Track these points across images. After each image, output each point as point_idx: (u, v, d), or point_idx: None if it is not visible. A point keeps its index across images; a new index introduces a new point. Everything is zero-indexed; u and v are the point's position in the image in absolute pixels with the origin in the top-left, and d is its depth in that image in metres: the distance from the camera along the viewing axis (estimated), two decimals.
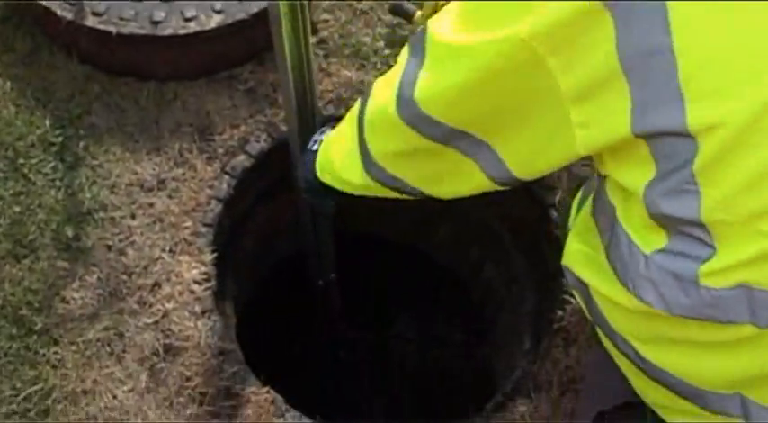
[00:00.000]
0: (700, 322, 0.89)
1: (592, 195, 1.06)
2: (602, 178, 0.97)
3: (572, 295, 1.77)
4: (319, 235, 1.77)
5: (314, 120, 1.57)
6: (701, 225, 0.82)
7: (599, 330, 1.12)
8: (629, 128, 0.78)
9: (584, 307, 1.12)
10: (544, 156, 0.91)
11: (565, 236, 1.79)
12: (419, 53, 0.95)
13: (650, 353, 1.01)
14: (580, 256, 1.06)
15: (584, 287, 1.07)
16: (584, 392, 1.61)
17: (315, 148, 1.33)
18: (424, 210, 1.92)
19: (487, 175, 1.00)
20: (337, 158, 1.21)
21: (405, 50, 1.02)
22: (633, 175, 0.84)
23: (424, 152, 1.02)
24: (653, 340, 0.99)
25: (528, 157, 0.94)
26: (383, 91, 1.05)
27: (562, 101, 0.80)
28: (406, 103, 0.98)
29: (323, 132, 1.37)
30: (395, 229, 2.32)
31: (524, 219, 2.02)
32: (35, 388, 1.61)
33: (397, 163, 1.09)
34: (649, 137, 0.78)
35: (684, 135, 0.76)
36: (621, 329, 1.02)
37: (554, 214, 1.92)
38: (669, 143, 0.78)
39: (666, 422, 1.14)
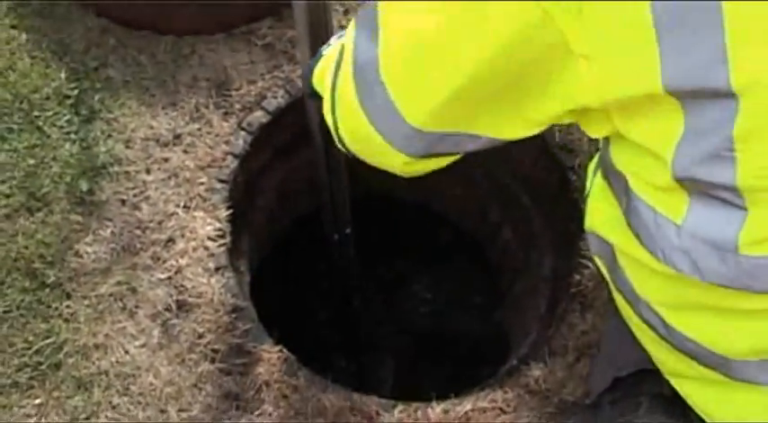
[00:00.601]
0: (732, 290, 0.84)
1: (598, 157, 1.01)
2: (606, 140, 0.92)
3: (590, 260, 1.75)
4: (334, 187, 1.75)
5: None
6: (734, 189, 0.76)
7: (618, 298, 1.08)
8: (659, 84, 0.72)
9: (606, 275, 1.08)
10: (547, 118, 0.85)
11: (585, 200, 1.78)
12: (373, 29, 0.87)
13: (677, 320, 0.96)
14: (602, 216, 1.01)
15: (608, 250, 1.02)
16: (600, 359, 1.57)
17: (323, 52, 1.23)
18: (440, 170, 1.88)
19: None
20: (324, 86, 1.12)
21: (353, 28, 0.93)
22: (657, 135, 0.78)
23: None
24: (680, 306, 0.95)
25: (523, 127, 0.87)
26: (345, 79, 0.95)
27: (573, 58, 0.74)
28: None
29: (340, 37, 1.25)
30: (409, 190, 2.30)
31: (543, 181, 1.99)
32: (47, 341, 1.60)
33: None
34: (682, 94, 0.72)
35: (724, 94, 0.70)
36: (647, 294, 0.98)
37: (573, 177, 1.88)
38: (704, 102, 0.72)
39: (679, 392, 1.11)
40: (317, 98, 1.15)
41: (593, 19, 0.71)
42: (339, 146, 1.09)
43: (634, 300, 1.02)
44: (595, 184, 1.06)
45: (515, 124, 0.86)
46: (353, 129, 0.99)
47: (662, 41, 0.69)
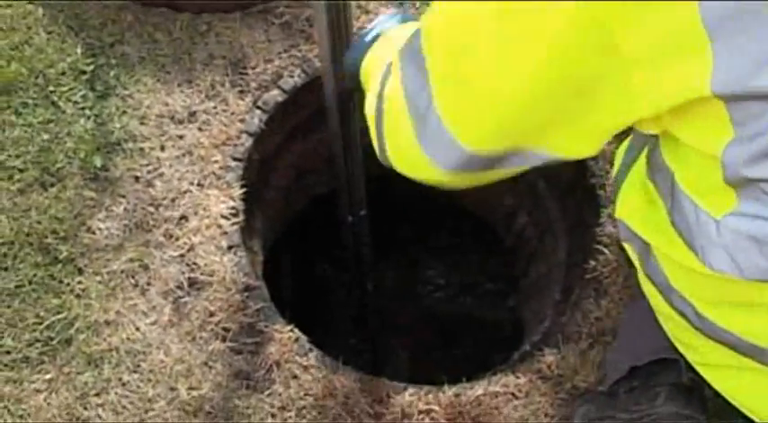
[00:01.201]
0: None
1: (645, 153, 0.98)
2: (655, 137, 0.90)
3: (606, 246, 1.73)
4: (349, 168, 1.72)
5: None
6: None
7: (647, 285, 1.07)
8: (709, 87, 0.70)
9: (636, 261, 1.06)
10: (601, 132, 0.81)
11: (602, 186, 1.75)
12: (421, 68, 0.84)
13: (712, 313, 0.95)
14: (638, 212, 1.01)
15: (641, 241, 1.01)
16: (618, 346, 1.56)
17: (368, 39, 1.19)
18: None
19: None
20: (371, 87, 1.08)
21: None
22: (705, 137, 0.76)
23: None
24: (718, 302, 0.94)
25: (582, 143, 0.84)
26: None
27: (625, 66, 0.71)
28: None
29: (384, 21, 1.20)
30: None
31: (559, 167, 1.91)
32: (58, 317, 1.59)
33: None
34: (731, 97, 0.71)
35: None
36: (682, 288, 0.97)
37: (590, 163, 1.85)
38: (752, 104, 0.70)
39: (706, 380, 1.09)
40: (360, 90, 1.13)
41: (641, 21, 0.68)
42: (379, 157, 1.05)
43: (666, 289, 1.00)
44: (634, 177, 1.04)
45: (577, 138, 0.82)
46: (399, 146, 0.96)
47: (714, 44, 0.67)
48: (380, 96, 0.96)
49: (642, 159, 1.01)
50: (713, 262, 0.82)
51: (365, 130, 1.08)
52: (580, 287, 1.75)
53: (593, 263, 1.73)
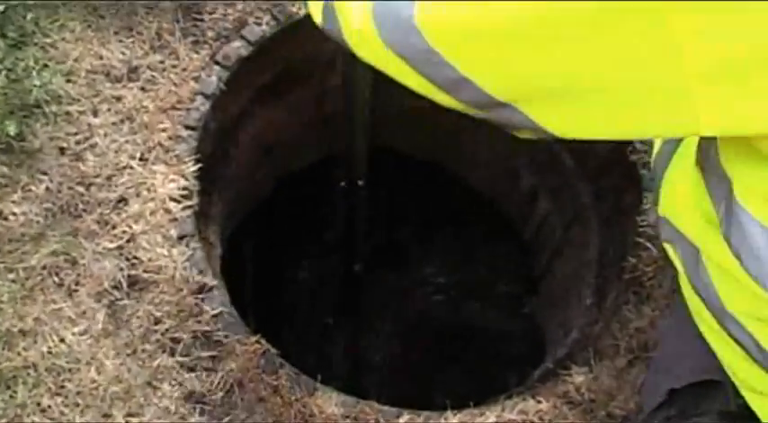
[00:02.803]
0: None
1: (696, 143, 0.99)
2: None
3: (649, 239, 1.74)
4: (354, 125, 1.71)
5: None
6: None
7: (693, 300, 1.07)
8: None
9: (680, 269, 1.06)
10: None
11: (646, 164, 1.76)
12: None
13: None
14: (686, 210, 1.00)
15: (687, 247, 1.01)
16: (655, 363, 1.53)
17: None
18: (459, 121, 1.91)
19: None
20: None
21: None
22: None
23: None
24: None
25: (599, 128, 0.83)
26: None
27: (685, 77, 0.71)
28: (393, 20, 0.86)
29: None
30: (422, 146, 2.30)
31: (593, 141, 1.96)
32: None
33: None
34: None
35: None
36: (739, 312, 0.96)
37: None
38: None
39: (752, 408, 1.10)
40: None
41: (709, 29, 0.69)
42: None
43: (718, 310, 0.99)
44: (679, 160, 1.04)
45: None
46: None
47: None
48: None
49: (688, 153, 1.00)
50: None
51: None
52: (617, 290, 1.76)
53: (632, 260, 1.74)
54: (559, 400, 1.61)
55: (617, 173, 1.90)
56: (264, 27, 1.88)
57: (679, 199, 1.02)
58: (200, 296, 1.63)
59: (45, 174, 1.71)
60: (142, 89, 1.80)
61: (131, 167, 1.73)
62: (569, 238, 2.08)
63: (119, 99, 1.79)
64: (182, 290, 1.63)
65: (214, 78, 1.84)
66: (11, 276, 1.61)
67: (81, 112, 1.77)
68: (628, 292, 1.72)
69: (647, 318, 1.68)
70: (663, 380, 1.38)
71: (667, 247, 1.07)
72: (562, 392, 1.62)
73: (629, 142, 1.85)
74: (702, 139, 0.95)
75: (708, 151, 0.92)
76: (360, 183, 1.90)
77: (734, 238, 0.87)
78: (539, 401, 1.60)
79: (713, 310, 1.01)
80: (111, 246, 1.66)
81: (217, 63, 1.85)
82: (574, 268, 2.02)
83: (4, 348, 1.55)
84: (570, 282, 2.02)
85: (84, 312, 1.60)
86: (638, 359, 1.64)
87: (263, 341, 1.62)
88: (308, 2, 1.02)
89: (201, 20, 1.87)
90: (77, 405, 1.52)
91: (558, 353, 1.78)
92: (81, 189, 1.70)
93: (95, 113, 1.77)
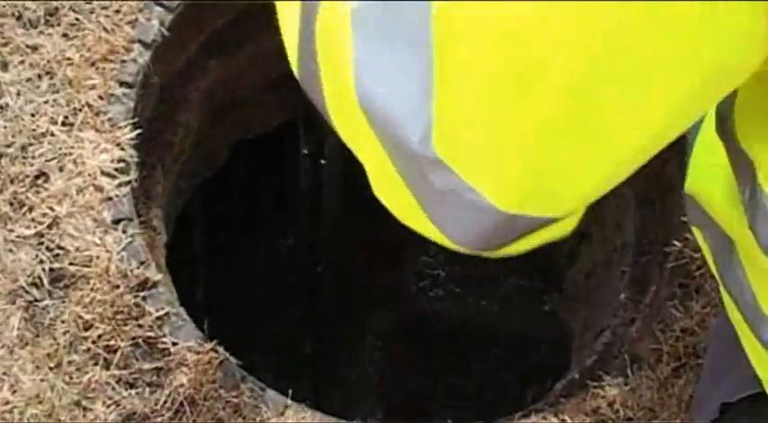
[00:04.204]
0: None
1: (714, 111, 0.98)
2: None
3: None
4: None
5: None
6: None
7: (727, 301, 1.06)
8: None
9: (710, 261, 1.06)
10: None
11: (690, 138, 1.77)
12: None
13: None
14: (719, 190, 0.99)
15: (717, 233, 1.01)
16: (704, 375, 1.52)
17: None
18: None
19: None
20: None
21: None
22: None
23: None
24: None
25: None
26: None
27: None
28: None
29: None
30: None
31: None
32: None
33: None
34: None
35: None
36: None
37: None
38: None
39: None
40: None
41: None
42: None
43: (752, 313, 0.99)
44: (706, 129, 1.02)
45: None
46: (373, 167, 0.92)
47: None
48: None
49: (709, 122, 0.99)
50: None
51: None
52: (658, 282, 1.77)
53: (678, 244, 1.74)
54: (588, 418, 1.62)
55: None
56: None
57: (708, 174, 1.02)
58: (141, 294, 1.63)
59: None
60: (64, 36, 1.81)
61: (52, 134, 1.73)
62: (599, 219, 2.08)
63: (34, 49, 1.79)
64: (118, 286, 1.62)
65: (155, 22, 1.84)
66: None
67: None
68: (672, 284, 1.73)
69: (695, 317, 1.68)
70: (713, 393, 1.37)
71: (696, 232, 1.07)
72: (591, 409, 1.63)
73: None
74: (719, 104, 0.92)
75: (725, 122, 0.90)
76: (332, 152, 1.91)
77: (762, 230, 0.87)
78: (562, 420, 1.62)
79: (746, 313, 1.01)
80: (29, 232, 1.66)
81: (158, 3, 1.86)
82: (605, 256, 2.02)
83: None
84: (600, 273, 2.03)
85: None
86: (685, 367, 1.65)
87: (219, 349, 1.62)
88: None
89: None
90: None
91: (585, 360, 1.79)
92: None
93: (5, 67, 1.78)
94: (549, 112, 0.71)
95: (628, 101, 0.70)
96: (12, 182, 1.68)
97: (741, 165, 0.88)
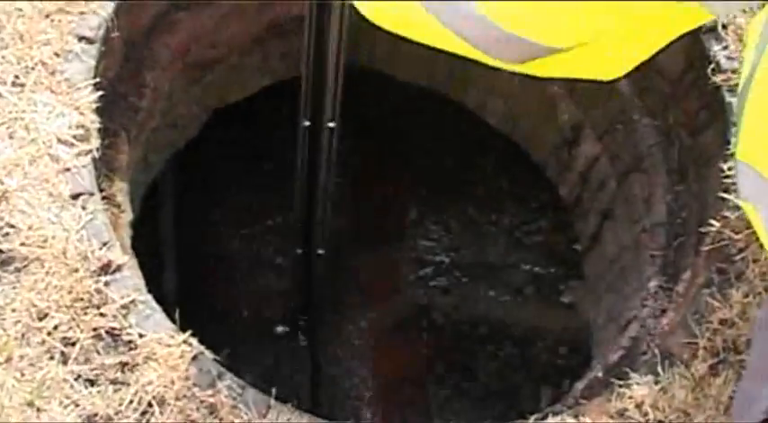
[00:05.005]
0: None
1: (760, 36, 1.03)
2: None
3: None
4: (319, 50, 1.74)
5: None
6: None
7: None
8: None
9: (763, 236, 1.09)
10: None
11: (735, 86, 1.78)
12: None
13: None
14: None
15: None
16: (746, 376, 1.57)
17: None
18: None
19: None
20: None
21: None
22: None
23: None
24: None
25: None
26: None
27: None
28: None
29: None
30: (414, 65, 2.31)
31: (660, 60, 1.93)
32: None
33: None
34: None
35: None
36: None
37: (713, 47, 1.86)
38: None
39: None
40: None
41: None
42: None
43: None
44: (762, 95, 1.05)
45: None
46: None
47: None
48: None
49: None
50: None
51: None
52: (694, 267, 1.76)
53: (716, 224, 1.73)
54: (612, 421, 1.61)
55: (693, 101, 1.91)
56: None
57: (756, 140, 1.04)
58: (104, 279, 1.62)
59: None
60: None
61: (3, 97, 1.72)
62: (625, 195, 2.08)
63: None
64: (77, 270, 1.61)
65: None
66: None
67: None
68: (710, 269, 1.72)
69: (736, 307, 1.67)
70: (757, 397, 1.41)
71: (747, 207, 1.09)
72: (616, 411, 1.62)
73: (709, 58, 1.85)
74: None
75: None
76: (330, 125, 1.90)
77: None
78: None
79: None
80: None
81: None
82: (632, 237, 2.02)
83: None
84: (627, 257, 2.02)
85: None
86: (724, 364, 1.64)
87: (193, 342, 1.60)
88: None
89: None
90: None
91: (610, 356, 1.78)
92: None
93: None
94: None
95: None
96: None
97: None
